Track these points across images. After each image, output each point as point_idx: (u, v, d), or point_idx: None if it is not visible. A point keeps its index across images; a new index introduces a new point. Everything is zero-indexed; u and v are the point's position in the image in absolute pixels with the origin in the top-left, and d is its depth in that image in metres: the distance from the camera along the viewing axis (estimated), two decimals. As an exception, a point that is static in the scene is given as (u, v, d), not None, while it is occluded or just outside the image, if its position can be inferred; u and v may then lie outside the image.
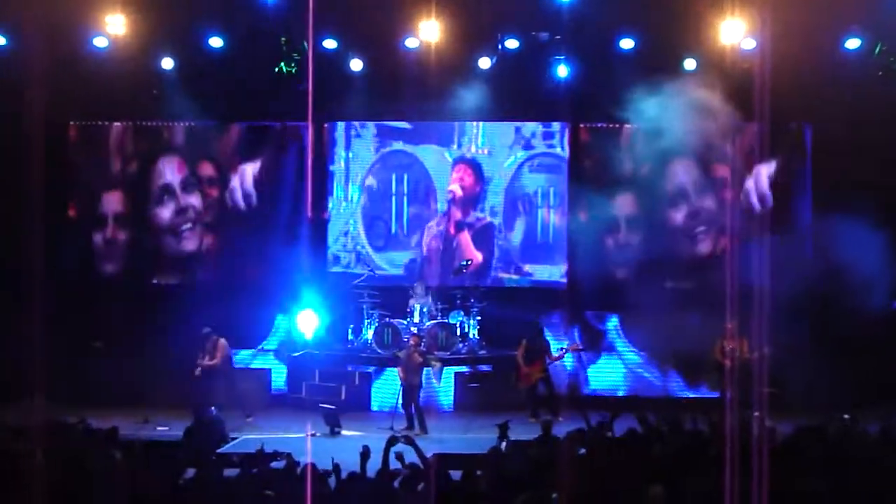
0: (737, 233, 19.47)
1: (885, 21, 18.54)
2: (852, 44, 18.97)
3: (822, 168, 19.94)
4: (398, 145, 21.13)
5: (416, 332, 19.00)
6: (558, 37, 19.49)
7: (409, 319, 19.81)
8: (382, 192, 21.18)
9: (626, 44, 19.26)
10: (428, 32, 18.77)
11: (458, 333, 19.85)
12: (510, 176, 20.95)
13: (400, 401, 17.90)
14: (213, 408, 16.29)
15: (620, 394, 20.44)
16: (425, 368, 18.33)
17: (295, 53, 19.48)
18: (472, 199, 21.02)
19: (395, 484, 9.92)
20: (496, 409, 17.57)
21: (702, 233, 20.63)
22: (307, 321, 19.63)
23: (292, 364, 20.27)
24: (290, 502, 9.57)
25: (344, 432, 17.29)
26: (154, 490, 9.68)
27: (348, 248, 21.18)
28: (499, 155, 21.00)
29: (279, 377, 20.45)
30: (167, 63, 19.82)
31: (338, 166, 21.15)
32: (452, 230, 21.02)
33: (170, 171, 21.12)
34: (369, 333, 19.88)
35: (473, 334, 20.02)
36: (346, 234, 21.22)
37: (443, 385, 19.52)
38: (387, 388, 19.35)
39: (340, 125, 21.09)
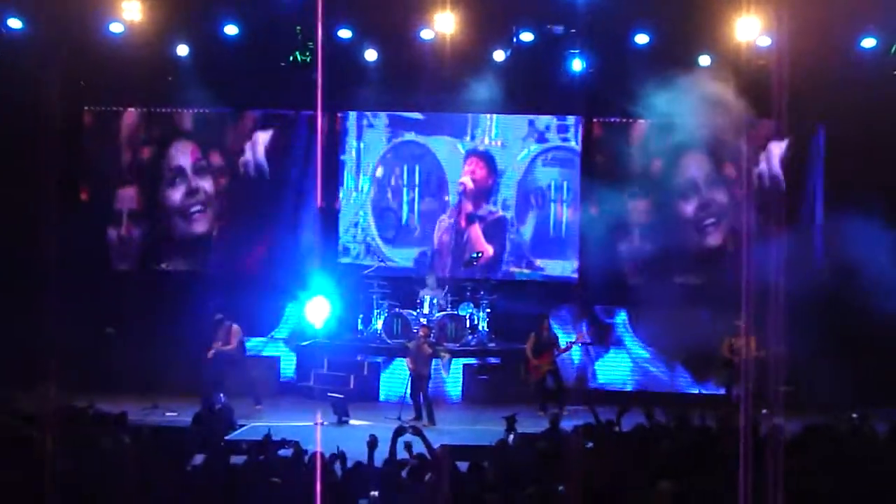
0: (748, 229, 19.45)
1: (902, 21, 18.51)
2: (868, 43, 18.93)
3: (835, 167, 19.90)
4: (410, 136, 21.11)
5: (425, 323, 19.02)
6: (573, 31, 19.46)
7: (418, 310, 19.84)
8: (393, 184, 21.17)
9: (641, 39, 19.24)
10: (443, 24, 18.76)
11: (468, 325, 19.87)
12: (523, 169, 20.94)
13: (408, 391, 17.94)
14: (221, 395, 16.32)
15: (628, 388, 20.44)
16: (434, 360, 18.36)
17: (310, 42, 19.44)
18: (483, 192, 21.00)
19: (403, 474, 9.95)
20: (504, 402, 17.63)
21: (711, 225, 20.61)
22: (317, 310, 19.65)
23: (301, 352, 20.31)
24: (296, 490, 9.61)
25: (352, 422, 17.33)
26: (162, 475, 9.72)
27: (358, 239, 21.19)
28: (512, 147, 20.98)
29: (288, 365, 20.49)
30: (182, 50, 19.85)
31: (349, 156, 21.15)
32: (463, 223, 21.01)
33: (182, 155, 21.16)
34: (379, 323, 19.92)
35: (483, 326, 20.04)
36: (355, 224, 21.21)
37: (451, 376, 19.56)
38: (395, 379, 19.39)
39: (352, 115, 21.09)
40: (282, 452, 11.45)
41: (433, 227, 21.04)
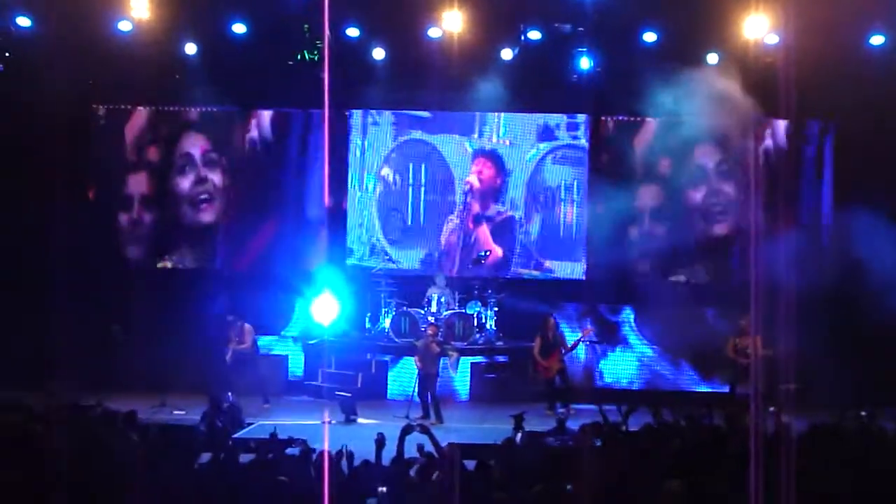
0: (756, 227, 19.44)
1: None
2: (876, 40, 18.89)
3: (844, 164, 19.88)
4: (417, 134, 21.05)
5: (433, 321, 19.02)
6: (581, 29, 19.45)
7: (426, 309, 19.83)
8: (399, 183, 21.11)
9: (649, 37, 19.21)
10: (451, 22, 18.74)
11: (476, 324, 19.86)
12: (532, 168, 20.88)
13: (416, 389, 17.94)
14: (229, 393, 16.35)
15: (634, 387, 20.43)
16: (442, 358, 18.36)
17: (317, 41, 19.47)
18: (491, 192, 20.95)
19: (412, 472, 9.95)
20: (512, 400, 17.60)
21: (719, 213, 20.57)
22: (325, 308, 19.64)
23: (309, 351, 20.32)
24: (304, 488, 9.61)
25: (360, 420, 17.34)
26: (170, 473, 9.73)
27: (363, 239, 21.12)
28: (521, 146, 20.94)
29: (296, 364, 20.50)
30: (190, 48, 19.86)
31: (353, 155, 21.09)
32: (471, 224, 20.94)
33: (192, 146, 21.14)
34: (386, 322, 19.91)
35: (490, 325, 20.03)
36: (360, 225, 21.13)
37: (459, 375, 19.56)
38: (403, 377, 19.39)
39: (357, 112, 20.99)
40: (289, 451, 11.47)
41: (440, 227, 20.99)
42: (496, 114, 20.78)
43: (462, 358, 19.46)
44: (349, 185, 21.09)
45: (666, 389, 19.87)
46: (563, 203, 20.91)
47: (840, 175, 20.06)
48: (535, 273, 20.89)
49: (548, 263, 20.89)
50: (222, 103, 20.74)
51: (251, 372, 18.54)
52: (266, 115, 21.09)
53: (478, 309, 20.07)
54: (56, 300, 15.08)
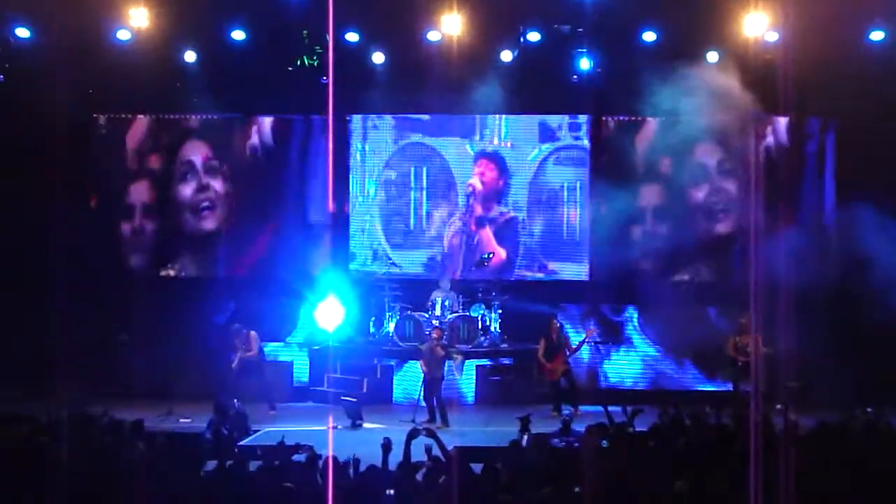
0: (757, 225, 19.43)
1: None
2: (876, 36, 18.88)
3: (845, 161, 19.86)
4: (417, 137, 21.02)
5: (437, 325, 19.01)
6: (580, 29, 19.46)
7: (430, 313, 19.81)
8: (401, 187, 21.10)
9: (649, 37, 19.21)
10: (450, 26, 18.76)
11: (480, 327, 19.85)
12: (534, 170, 20.86)
13: (422, 393, 17.93)
14: (235, 401, 16.35)
15: (639, 387, 20.42)
16: (447, 361, 18.36)
17: (317, 47, 19.51)
18: (494, 194, 20.93)
19: (418, 476, 9.94)
20: (517, 402, 17.62)
21: (721, 211, 20.56)
22: (329, 313, 19.64)
23: (314, 356, 20.31)
24: (310, 495, 9.61)
25: (366, 425, 17.32)
26: (177, 481, 9.73)
27: (365, 244, 21.10)
28: (523, 148, 20.92)
29: (301, 370, 20.50)
30: (190, 56, 19.88)
31: (354, 160, 21.07)
32: (474, 226, 20.92)
33: (193, 153, 21.17)
34: (391, 326, 19.90)
35: (495, 327, 20.02)
36: (362, 230, 21.10)
37: (464, 378, 19.55)
38: (408, 381, 19.38)
39: (357, 117, 20.97)
40: (296, 457, 11.45)
41: (442, 230, 20.97)
42: (497, 116, 20.74)
43: (467, 361, 19.45)
44: (350, 190, 21.08)
45: (670, 389, 19.86)
46: (565, 204, 20.89)
47: (841, 172, 20.04)
48: (539, 275, 20.87)
49: (551, 265, 20.86)
50: (223, 110, 20.75)
51: (257, 379, 18.56)
52: (266, 122, 21.13)
53: (482, 312, 20.06)
54: (60, 311, 15.09)
